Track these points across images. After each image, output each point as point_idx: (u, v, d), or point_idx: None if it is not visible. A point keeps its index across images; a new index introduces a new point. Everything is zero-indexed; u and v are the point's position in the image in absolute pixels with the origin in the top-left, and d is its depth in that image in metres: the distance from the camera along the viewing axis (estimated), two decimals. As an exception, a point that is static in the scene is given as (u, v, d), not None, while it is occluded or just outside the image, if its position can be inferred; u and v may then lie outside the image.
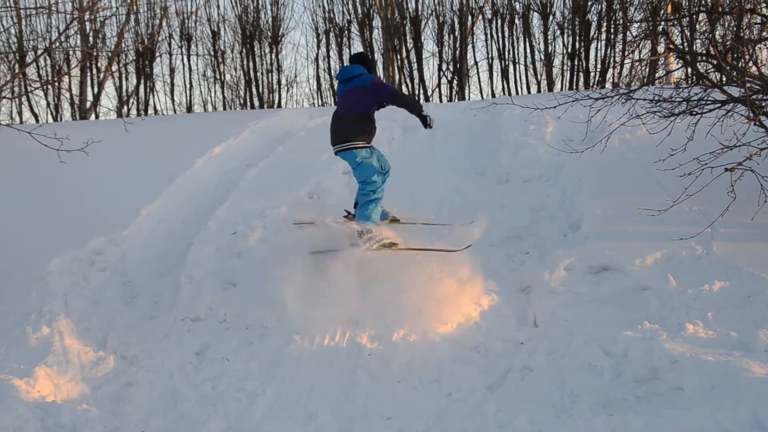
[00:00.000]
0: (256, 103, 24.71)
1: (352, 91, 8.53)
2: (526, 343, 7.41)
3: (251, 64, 24.68)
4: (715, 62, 9.64)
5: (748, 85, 8.83)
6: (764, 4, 10.16)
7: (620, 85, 13.16)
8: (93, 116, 23.70)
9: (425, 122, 8.81)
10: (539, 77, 23.98)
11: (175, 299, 8.96)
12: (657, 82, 15.23)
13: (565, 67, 23.64)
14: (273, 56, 24.79)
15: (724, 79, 9.68)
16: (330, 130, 8.74)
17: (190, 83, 25.04)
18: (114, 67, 24.35)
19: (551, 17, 23.38)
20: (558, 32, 23.57)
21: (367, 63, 8.78)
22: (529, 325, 7.74)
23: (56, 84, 23.26)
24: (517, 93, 23.65)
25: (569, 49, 23.32)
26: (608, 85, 20.99)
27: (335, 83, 8.96)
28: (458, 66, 24.37)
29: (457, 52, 24.33)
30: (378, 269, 8.31)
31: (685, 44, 10.83)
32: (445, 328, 7.64)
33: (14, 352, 7.78)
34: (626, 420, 5.45)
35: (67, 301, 8.84)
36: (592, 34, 23.09)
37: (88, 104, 23.66)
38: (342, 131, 8.56)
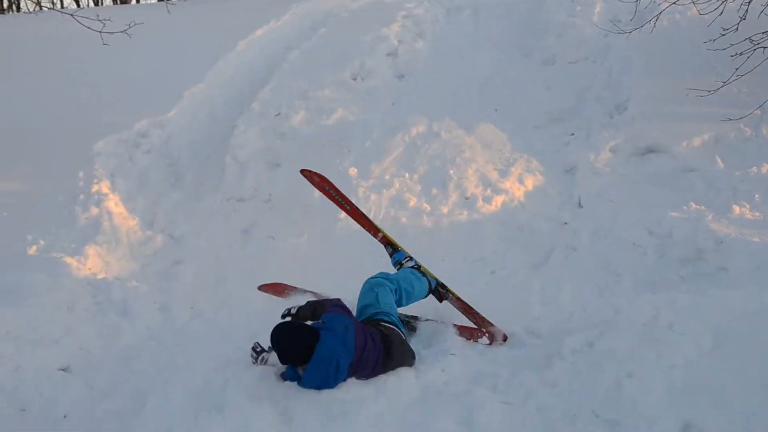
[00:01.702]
0: (297, -15, 24.28)
1: (357, 358, 5.12)
2: (571, 223, 7.43)
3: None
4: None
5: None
6: None
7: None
8: (134, 0, 23.54)
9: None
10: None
11: (221, 180, 9.03)
12: (709, -40, 14.73)
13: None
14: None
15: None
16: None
17: (231, -35, 24.65)
18: (154, -51, 24.07)
19: None
20: None
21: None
22: (573, 205, 7.73)
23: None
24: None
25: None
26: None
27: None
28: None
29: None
30: (425, 154, 8.37)
31: None
32: (489, 207, 7.67)
33: (65, 232, 7.91)
34: (671, 298, 5.47)
35: (113, 183, 8.93)
36: None
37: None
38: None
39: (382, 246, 6.58)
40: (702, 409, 4.18)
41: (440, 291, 6.13)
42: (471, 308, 6.05)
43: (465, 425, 4.35)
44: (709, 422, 4.06)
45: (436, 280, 6.17)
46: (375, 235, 6.61)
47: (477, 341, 5.77)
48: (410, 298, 5.91)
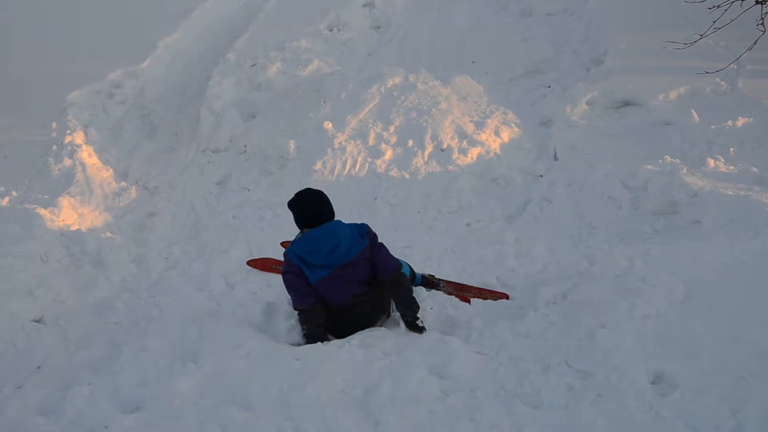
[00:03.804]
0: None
1: (351, 263, 5.24)
2: (546, 175, 7.45)
3: None
4: None
5: None
6: None
7: None
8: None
9: (414, 327, 5.23)
10: None
11: (195, 131, 8.99)
12: None
13: None
14: None
15: None
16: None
17: None
18: None
19: None
20: None
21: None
22: (548, 157, 7.73)
23: None
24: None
25: None
26: None
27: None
28: None
29: None
30: (401, 105, 8.34)
31: None
32: (465, 159, 7.66)
33: (38, 183, 7.91)
34: (645, 249, 5.50)
35: (87, 134, 8.93)
36: None
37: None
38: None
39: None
40: (673, 359, 4.21)
41: (428, 280, 6.00)
42: (466, 285, 6.00)
43: (439, 375, 4.37)
44: (680, 373, 4.09)
45: (422, 273, 6.06)
46: None
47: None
48: None
